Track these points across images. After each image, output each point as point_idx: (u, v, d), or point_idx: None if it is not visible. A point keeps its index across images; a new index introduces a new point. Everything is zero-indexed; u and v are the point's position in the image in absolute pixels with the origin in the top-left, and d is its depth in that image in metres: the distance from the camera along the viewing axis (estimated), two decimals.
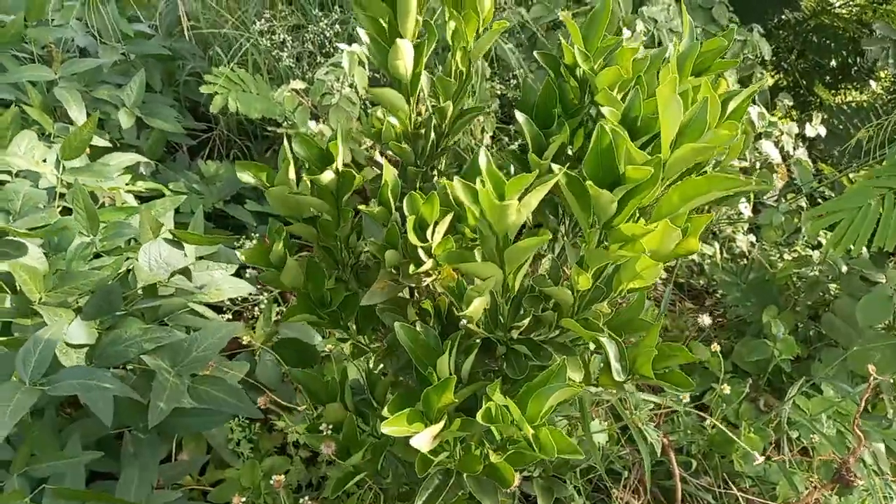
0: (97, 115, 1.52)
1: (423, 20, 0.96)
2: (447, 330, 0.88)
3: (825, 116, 2.91)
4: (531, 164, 0.84)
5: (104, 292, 1.33)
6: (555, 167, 0.67)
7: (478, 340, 0.83)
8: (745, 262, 2.27)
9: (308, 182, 0.96)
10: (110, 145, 1.93)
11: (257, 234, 1.95)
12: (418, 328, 0.82)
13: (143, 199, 1.98)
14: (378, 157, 1.04)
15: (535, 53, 0.96)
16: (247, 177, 0.98)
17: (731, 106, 0.85)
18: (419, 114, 1.00)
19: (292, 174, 0.97)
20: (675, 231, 0.71)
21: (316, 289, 1.01)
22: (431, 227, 0.80)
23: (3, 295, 1.37)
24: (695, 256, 2.39)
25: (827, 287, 2.14)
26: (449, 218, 0.80)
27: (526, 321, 0.78)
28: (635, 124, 0.82)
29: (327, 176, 0.93)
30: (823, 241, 2.39)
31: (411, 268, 0.80)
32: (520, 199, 0.67)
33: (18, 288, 1.31)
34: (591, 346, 0.93)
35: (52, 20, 2.13)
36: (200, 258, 1.66)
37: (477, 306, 0.73)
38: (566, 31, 2.16)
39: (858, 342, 1.85)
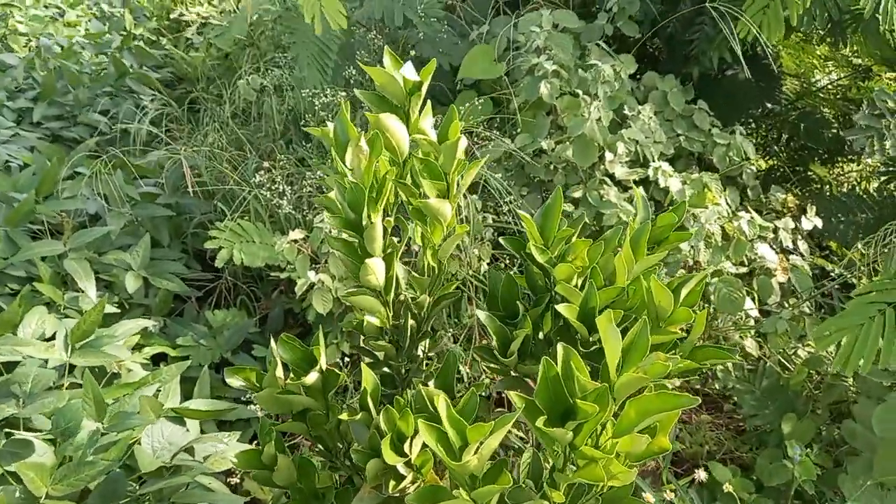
0: (105, 301, 1.58)
1: (395, 216, 1.02)
2: None
3: (827, 197, 2.93)
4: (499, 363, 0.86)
5: (109, 481, 1.34)
6: (514, 398, 0.69)
7: None
8: (758, 365, 2.24)
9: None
10: (118, 310, 2.00)
11: None
12: None
13: (154, 357, 2.03)
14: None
15: (500, 240, 1.00)
16: (236, 381, 1.01)
17: (684, 292, 0.87)
18: (398, 302, 1.03)
19: (280, 373, 1.00)
20: (641, 439, 0.72)
21: (309, 485, 1.02)
22: (409, 440, 0.81)
23: (11, 487, 1.40)
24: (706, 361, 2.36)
25: (845, 388, 2.10)
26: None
27: None
28: (593, 316, 0.84)
29: (312, 378, 0.95)
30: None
31: (391, 484, 0.81)
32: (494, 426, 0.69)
33: None
34: None
35: (63, 190, 2.25)
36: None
37: None
38: (551, 156, 2.24)
39: (882, 451, 1.79)
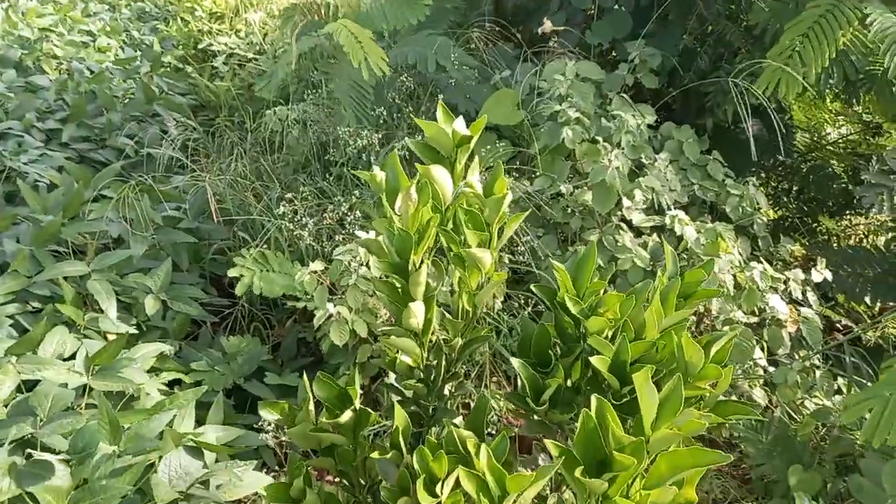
0: (125, 337, 1.61)
1: (432, 260, 1.05)
2: None
3: (835, 249, 2.96)
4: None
5: None
6: (550, 446, 0.71)
7: None
8: (765, 414, 2.25)
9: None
10: (136, 332, 2.02)
11: None
12: None
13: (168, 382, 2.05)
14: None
15: (532, 287, 1.03)
16: (270, 415, 1.04)
17: (714, 349, 0.90)
18: (430, 342, 1.06)
19: (312, 409, 1.03)
20: (669, 490, 0.74)
21: None
22: (441, 481, 0.84)
23: None
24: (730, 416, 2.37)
25: (852, 441, 2.11)
26: (457, 473, 0.83)
27: None
28: (624, 369, 0.87)
29: (346, 416, 0.98)
30: (844, 388, 2.38)
31: None
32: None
33: None
34: None
35: (90, 212, 2.29)
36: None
37: None
38: (568, 199, 2.28)
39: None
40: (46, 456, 1.42)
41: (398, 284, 0.92)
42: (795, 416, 2.32)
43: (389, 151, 2.43)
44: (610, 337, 0.93)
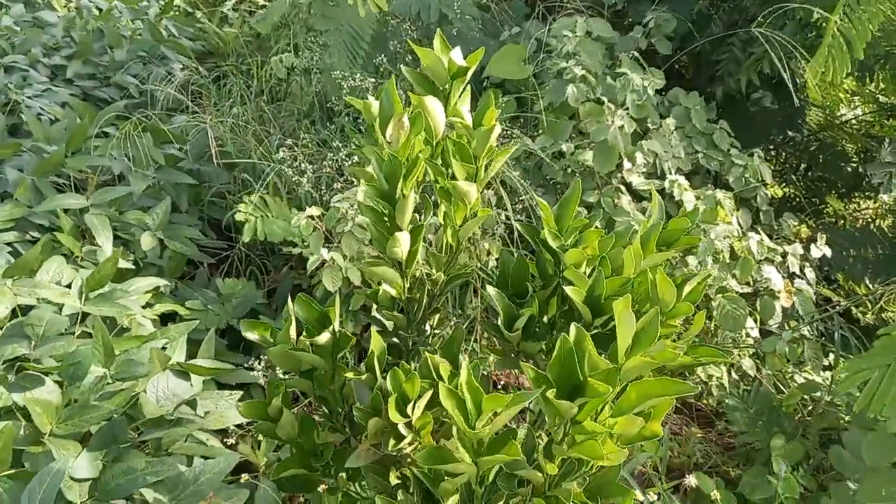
0: (119, 253, 1.62)
1: (420, 195, 1.05)
2: (428, 499, 0.91)
3: (840, 230, 2.94)
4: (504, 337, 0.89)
5: (111, 425, 1.39)
6: (527, 370, 0.72)
7: None
8: (753, 384, 2.26)
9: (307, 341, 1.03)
10: (133, 267, 2.04)
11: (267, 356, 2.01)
12: (399, 498, 0.85)
13: (162, 317, 2.07)
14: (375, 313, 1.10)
15: (516, 225, 1.03)
16: (252, 335, 1.05)
17: (688, 288, 0.90)
18: (414, 276, 1.07)
19: (293, 333, 1.04)
20: (636, 421, 0.75)
21: (308, 441, 1.06)
22: (413, 402, 0.85)
23: (18, 423, 1.44)
24: (703, 377, 2.39)
25: (837, 415, 2.12)
26: (429, 395, 0.85)
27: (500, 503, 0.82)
28: (598, 302, 0.88)
29: (324, 337, 0.99)
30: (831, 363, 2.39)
31: (391, 442, 0.84)
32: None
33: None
34: None
35: (94, 146, 2.30)
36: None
37: (454, 501, 0.77)
38: (569, 159, 2.27)
39: (868, 477, 1.81)
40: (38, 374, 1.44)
41: (384, 212, 0.93)
42: (784, 389, 2.33)
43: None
44: (588, 273, 0.94)
